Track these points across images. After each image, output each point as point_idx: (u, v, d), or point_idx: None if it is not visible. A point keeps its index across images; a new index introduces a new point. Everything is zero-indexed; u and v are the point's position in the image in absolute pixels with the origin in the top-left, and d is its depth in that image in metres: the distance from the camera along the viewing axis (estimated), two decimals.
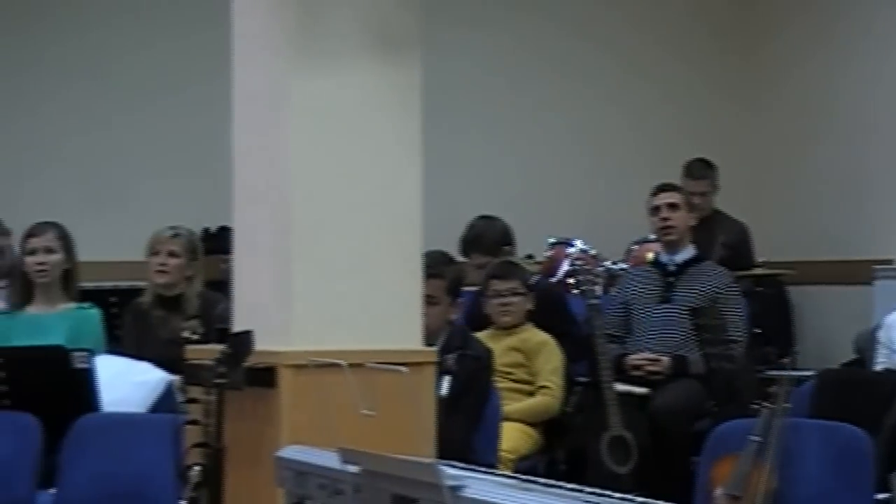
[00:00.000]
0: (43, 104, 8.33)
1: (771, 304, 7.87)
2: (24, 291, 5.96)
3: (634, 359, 6.51)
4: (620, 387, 6.24)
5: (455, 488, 2.56)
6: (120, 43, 8.48)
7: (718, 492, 4.64)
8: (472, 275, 6.67)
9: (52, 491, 5.12)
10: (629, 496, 2.62)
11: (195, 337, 4.96)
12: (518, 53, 9.07)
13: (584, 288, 6.51)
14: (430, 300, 4.79)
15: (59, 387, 5.26)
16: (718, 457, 4.78)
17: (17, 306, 5.99)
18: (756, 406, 4.68)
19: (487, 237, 7.00)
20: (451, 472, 2.63)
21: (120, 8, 8.51)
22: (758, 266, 8.00)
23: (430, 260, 4.90)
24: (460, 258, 6.70)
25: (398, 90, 4.67)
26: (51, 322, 5.86)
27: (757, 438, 4.59)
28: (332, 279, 4.53)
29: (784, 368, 4.71)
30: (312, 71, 4.55)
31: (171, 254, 6.19)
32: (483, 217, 7.16)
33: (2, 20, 8.33)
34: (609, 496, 2.62)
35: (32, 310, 5.95)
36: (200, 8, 8.01)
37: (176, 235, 6.24)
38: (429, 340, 4.79)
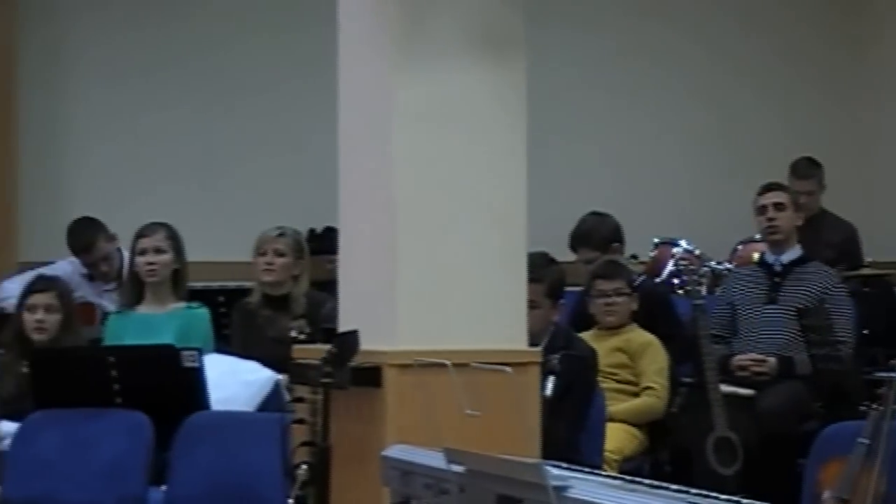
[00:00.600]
0: (155, 107, 8.45)
1: (879, 305, 7.75)
2: (135, 291, 6.06)
3: (740, 359, 6.46)
4: (726, 388, 6.19)
5: (560, 489, 2.57)
6: (228, 44, 8.58)
7: (826, 495, 4.59)
8: (579, 270, 6.67)
9: (163, 488, 5.20)
10: (735, 498, 2.61)
11: (302, 337, 5.01)
12: (623, 53, 9.04)
13: (688, 288, 6.48)
14: (530, 304, 4.80)
15: (169, 385, 5.32)
16: (826, 459, 4.73)
17: (129, 306, 6.08)
18: (864, 408, 4.62)
19: (597, 233, 6.99)
20: (556, 473, 2.64)
21: (228, 9, 8.61)
22: (865, 266, 7.90)
23: (531, 263, 4.91)
24: (567, 255, 6.70)
25: (502, 90, 4.67)
26: (161, 321, 5.95)
27: (866, 441, 4.54)
28: (437, 279, 4.55)
29: (893, 370, 4.64)
30: (417, 71, 4.57)
31: (278, 253, 6.26)
32: (594, 213, 7.15)
33: (132, 26, 8.47)
34: (715, 498, 2.61)
35: (143, 309, 6.04)
36: (306, 8, 8.09)
37: (282, 235, 6.32)
38: (531, 343, 4.79)
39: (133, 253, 6.10)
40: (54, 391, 5.38)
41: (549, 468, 2.64)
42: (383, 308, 4.55)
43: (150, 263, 5.99)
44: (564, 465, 2.93)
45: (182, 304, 6.04)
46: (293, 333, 5.14)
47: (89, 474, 5.15)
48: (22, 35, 8.09)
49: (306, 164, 8.13)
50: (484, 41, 4.63)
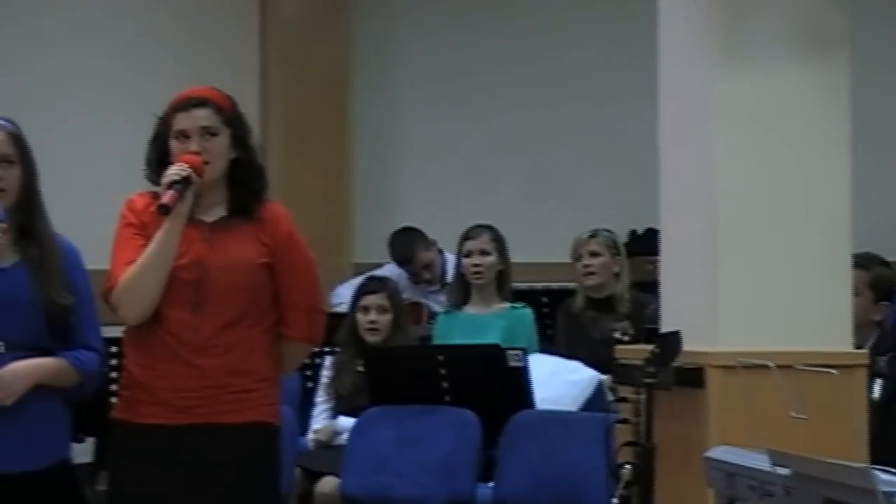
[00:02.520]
0: (479, 113, 8.65)
1: None
2: (462, 292, 6.22)
3: None
4: None
5: (890, 494, 2.53)
6: (551, 50, 8.70)
7: None
8: None
9: (491, 484, 5.32)
10: None
11: (626, 338, 5.04)
12: None
13: None
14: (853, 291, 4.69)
15: (496, 384, 5.43)
16: None
17: (456, 307, 6.25)
18: None
19: None
20: (886, 478, 2.60)
21: (549, 17, 8.73)
22: None
23: (857, 258, 4.80)
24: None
25: (826, 90, 4.61)
26: (487, 321, 6.08)
27: None
28: (760, 280, 4.52)
29: None
30: (739, 71, 4.54)
31: (593, 254, 6.33)
32: None
33: (459, 36, 8.70)
34: None
35: (469, 310, 6.19)
36: (627, 8, 8.13)
37: (593, 236, 6.39)
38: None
39: (459, 255, 6.26)
40: (387, 388, 5.56)
41: (878, 473, 2.61)
42: (705, 309, 4.55)
43: (476, 265, 6.13)
44: (894, 470, 2.88)
45: (506, 305, 6.16)
46: (617, 335, 5.17)
47: (421, 470, 5.29)
48: (355, 46, 8.39)
49: (627, 166, 8.17)
50: (809, 39, 4.57)
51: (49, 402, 3.77)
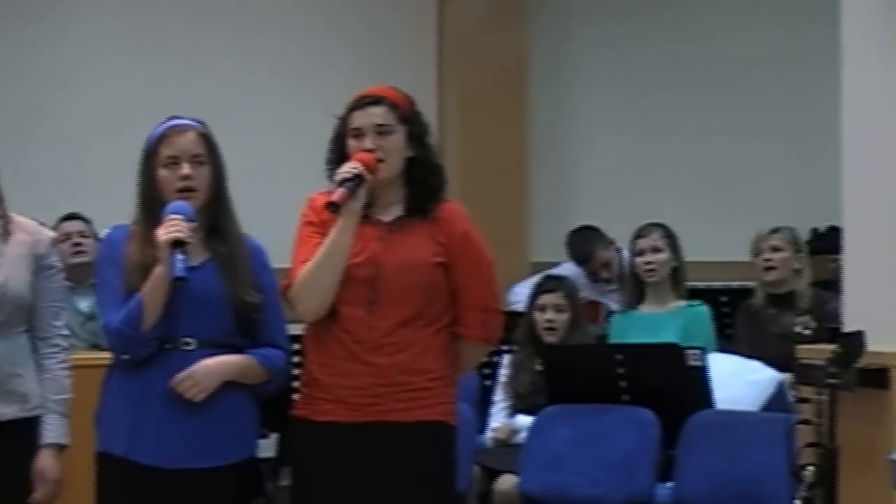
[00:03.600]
0: (654, 113, 8.62)
1: None
2: (636, 291, 6.20)
3: None
4: None
5: None
6: (725, 40, 8.63)
7: None
8: None
9: (670, 485, 5.29)
10: None
11: (807, 332, 4.97)
12: None
13: None
14: None
15: (674, 383, 5.39)
16: None
17: (631, 306, 6.23)
18: None
19: None
20: None
21: (732, 22, 8.66)
22: None
23: None
24: None
25: None
26: (663, 320, 6.05)
27: None
28: None
29: None
30: None
31: (774, 249, 6.30)
32: None
33: (634, 37, 8.68)
34: None
35: (645, 309, 6.17)
36: (810, 3, 8.01)
37: (775, 231, 6.36)
38: None
39: (632, 253, 6.25)
40: (565, 387, 5.56)
41: None
42: (890, 308, 4.47)
43: (649, 263, 6.11)
44: None
45: (683, 303, 6.12)
46: (798, 329, 5.10)
47: (599, 469, 5.28)
48: (531, 43, 8.42)
49: (809, 164, 8.06)
50: None
51: (238, 399, 3.85)
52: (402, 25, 8.40)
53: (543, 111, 8.51)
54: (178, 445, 3.75)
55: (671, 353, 5.48)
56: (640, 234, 6.19)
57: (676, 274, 6.13)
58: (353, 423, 3.82)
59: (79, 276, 6.20)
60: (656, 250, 6.11)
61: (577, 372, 5.59)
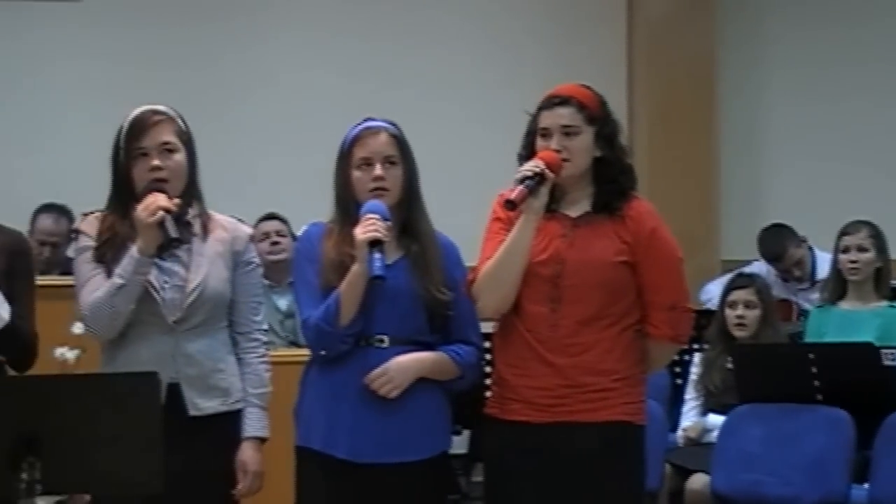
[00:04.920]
0: (845, 107, 8.48)
1: None
2: (838, 288, 6.11)
3: None
4: None
5: None
6: None
7: None
8: None
9: (865, 486, 5.21)
10: None
11: None
12: None
13: None
14: None
15: (870, 383, 5.31)
16: None
17: (831, 302, 6.14)
18: None
19: None
20: None
21: None
22: None
23: None
24: None
25: None
26: (862, 318, 5.96)
27: None
28: None
29: None
30: None
31: None
32: None
33: (824, 27, 8.57)
34: None
35: (845, 306, 6.08)
36: None
37: None
38: None
39: (836, 250, 6.15)
40: (757, 385, 5.51)
41: None
42: None
43: (853, 261, 6.03)
44: None
45: (884, 303, 6.02)
46: None
47: (792, 469, 5.23)
48: (721, 42, 8.35)
49: None
50: None
51: (432, 395, 3.90)
52: (592, 24, 8.41)
53: (734, 107, 8.44)
54: (371, 441, 3.81)
55: (866, 353, 5.41)
56: (846, 231, 6.11)
57: (880, 274, 6.05)
58: (541, 423, 3.84)
59: (277, 275, 6.35)
60: (861, 249, 6.03)
61: (769, 370, 5.54)
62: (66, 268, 6.23)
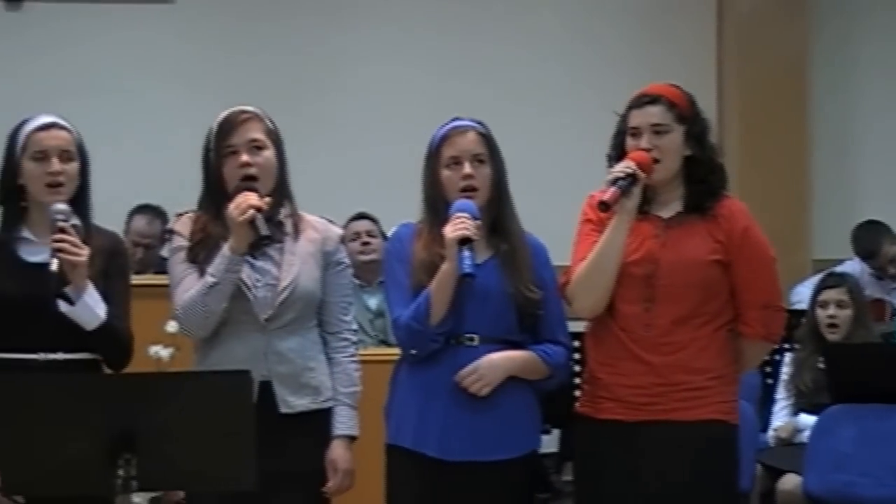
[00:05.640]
0: None
1: None
2: None
3: None
4: None
5: None
6: None
7: None
8: None
9: None
10: None
11: None
12: None
13: None
14: None
15: None
16: None
17: None
18: None
19: None
20: None
21: None
22: None
23: None
24: None
25: None
26: None
27: None
28: None
29: None
30: None
31: None
32: None
33: None
34: None
35: None
36: None
37: None
38: None
39: None
40: (849, 386, 5.46)
41: None
42: None
43: None
44: None
45: None
46: None
47: (886, 470, 5.18)
48: (812, 40, 8.28)
49: None
50: None
51: (522, 394, 3.91)
52: (681, 22, 8.37)
53: (826, 105, 8.36)
54: (462, 439, 3.83)
55: None
56: None
57: None
58: (634, 421, 3.84)
59: (368, 275, 6.39)
60: None
61: (862, 370, 5.48)
62: (161, 268, 6.33)
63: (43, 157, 3.89)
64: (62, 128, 3.93)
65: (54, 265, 3.71)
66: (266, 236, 3.78)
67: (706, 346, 3.86)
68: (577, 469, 4.02)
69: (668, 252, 3.86)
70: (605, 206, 3.79)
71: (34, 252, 3.90)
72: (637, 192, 3.82)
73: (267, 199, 3.83)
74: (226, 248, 3.80)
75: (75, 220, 3.84)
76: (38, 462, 3.22)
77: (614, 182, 3.80)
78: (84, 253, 3.77)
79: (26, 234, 3.93)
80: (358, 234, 6.61)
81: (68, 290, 3.75)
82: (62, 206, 3.83)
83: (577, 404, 4.01)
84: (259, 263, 3.90)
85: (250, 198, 3.79)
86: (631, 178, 3.80)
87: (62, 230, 3.76)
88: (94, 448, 3.15)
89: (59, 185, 3.88)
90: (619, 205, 3.81)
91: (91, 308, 3.81)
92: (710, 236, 3.88)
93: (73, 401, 3.22)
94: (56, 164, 3.88)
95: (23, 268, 3.88)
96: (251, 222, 3.75)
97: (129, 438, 3.17)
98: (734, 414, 3.91)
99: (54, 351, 3.82)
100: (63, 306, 3.77)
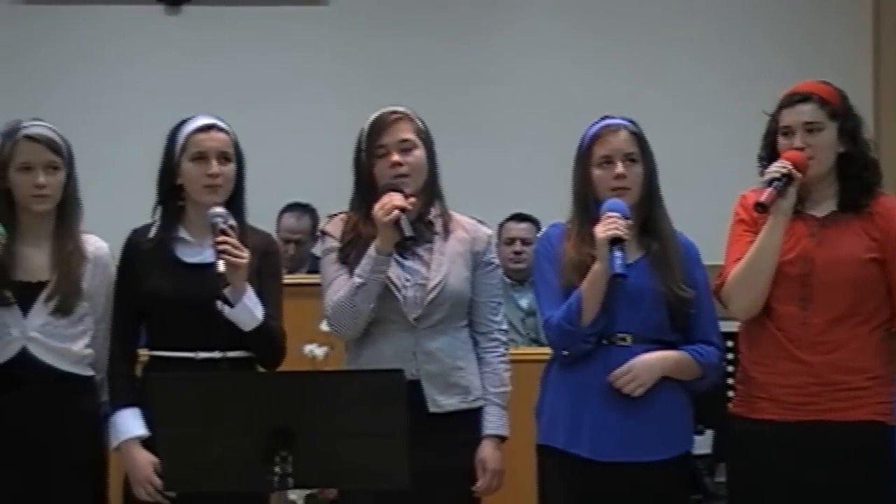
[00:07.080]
0: None
1: None
2: None
3: None
4: None
5: None
6: None
7: None
8: None
9: None
10: None
11: None
12: None
13: None
14: None
15: None
16: None
17: None
18: None
19: None
20: None
21: None
22: None
23: None
24: None
25: None
26: None
27: None
28: None
29: None
30: None
31: None
32: None
33: None
34: None
35: None
36: None
37: None
38: None
39: None
40: None
41: None
42: None
43: None
44: None
45: None
46: None
47: None
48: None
49: None
50: None
51: (675, 394, 3.89)
52: (835, 19, 8.23)
53: None
54: (614, 439, 3.82)
55: None
56: None
57: None
58: (790, 421, 3.81)
59: (519, 274, 6.39)
60: None
61: None
62: (312, 265, 6.40)
63: (202, 158, 3.96)
64: (221, 129, 4.00)
65: (221, 266, 3.76)
66: (410, 237, 3.81)
67: (863, 345, 3.82)
68: (731, 470, 3.99)
69: (824, 251, 3.83)
70: (762, 208, 3.77)
71: (191, 253, 3.98)
72: (793, 192, 3.80)
73: (412, 200, 3.86)
74: (372, 249, 3.84)
75: (233, 222, 3.90)
76: (199, 458, 3.28)
77: (770, 183, 3.78)
78: (245, 255, 3.83)
79: (183, 234, 4.01)
80: (513, 241, 6.58)
81: (227, 291, 3.82)
82: (220, 210, 3.90)
83: (730, 404, 3.99)
84: (408, 263, 3.93)
85: (395, 198, 3.82)
86: (787, 179, 3.78)
87: (224, 232, 3.83)
88: (252, 445, 3.19)
89: (217, 186, 3.95)
90: (776, 205, 3.78)
91: (250, 310, 3.87)
92: (866, 234, 3.84)
93: (236, 398, 3.26)
94: (215, 166, 3.94)
95: (180, 268, 3.96)
96: (396, 223, 3.78)
97: (287, 436, 3.21)
98: (892, 415, 3.86)
99: (211, 350, 3.89)
100: (223, 308, 3.83)
